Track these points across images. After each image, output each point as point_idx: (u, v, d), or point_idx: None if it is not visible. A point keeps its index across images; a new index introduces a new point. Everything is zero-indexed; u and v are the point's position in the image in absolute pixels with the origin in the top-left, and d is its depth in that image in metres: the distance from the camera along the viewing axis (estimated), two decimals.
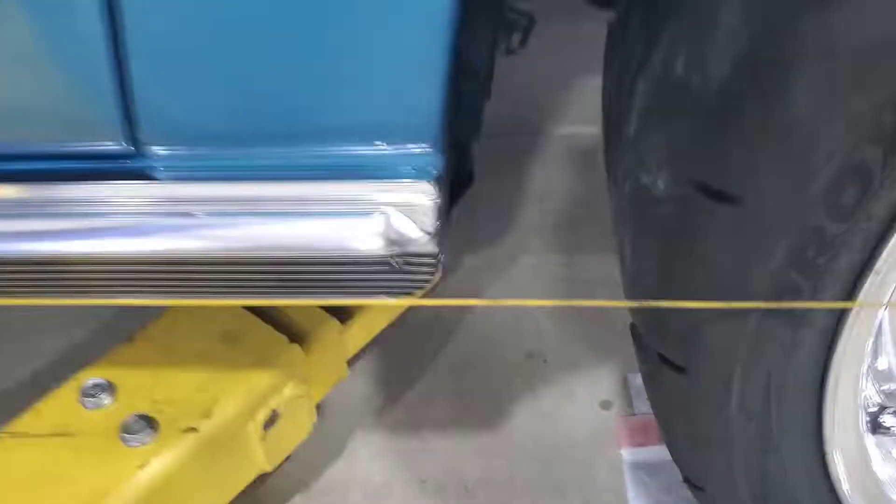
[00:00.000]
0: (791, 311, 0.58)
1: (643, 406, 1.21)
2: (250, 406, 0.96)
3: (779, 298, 0.57)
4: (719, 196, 0.55)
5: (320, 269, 0.74)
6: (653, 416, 1.08)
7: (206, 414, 0.93)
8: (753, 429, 0.70)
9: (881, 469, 0.79)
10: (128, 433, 0.92)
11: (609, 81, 0.76)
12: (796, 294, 0.57)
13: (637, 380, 1.26)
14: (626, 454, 1.18)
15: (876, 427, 0.81)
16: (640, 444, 1.18)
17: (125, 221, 0.73)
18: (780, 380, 0.65)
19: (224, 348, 0.99)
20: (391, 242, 0.71)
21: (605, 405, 1.23)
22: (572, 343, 1.30)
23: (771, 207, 0.54)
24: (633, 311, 0.74)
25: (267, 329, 1.01)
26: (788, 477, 0.73)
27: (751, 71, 0.54)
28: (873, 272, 0.56)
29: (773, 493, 0.74)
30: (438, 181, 0.70)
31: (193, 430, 0.92)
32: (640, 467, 1.16)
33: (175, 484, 0.91)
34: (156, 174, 0.71)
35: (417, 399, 1.25)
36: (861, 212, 0.53)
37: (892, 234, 0.55)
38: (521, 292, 1.39)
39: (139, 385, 0.96)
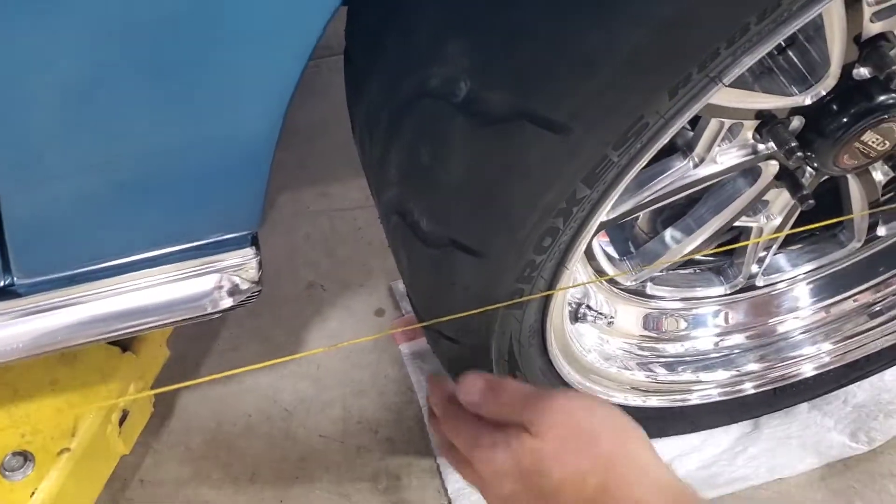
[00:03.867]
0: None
1: (409, 306, 1.46)
2: (105, 414, 1.11)
3: (514, 297, 0.87)
4: (468, 250, 0.82)
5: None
6: None
7: (72, 433, 1.08)
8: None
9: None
10: (9, 471, 1.05)
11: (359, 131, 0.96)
12: (523, 293, 0.87)
13: (399, 286, 1.54)
14: (404, 348, 1.43)
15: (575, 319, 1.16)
16: (412, 339, 1.43)
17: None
18: (518, 331, 0.96)
19: (67, 370, 1.13)
20: (230, 293, 0.92)
21: (379, 312, 1.48)
22: (342, 267, 1.54)
23: (498, 255, 0.83)
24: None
25: (100, 346, 1.15)
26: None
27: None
28: (565, 268, 0.87)
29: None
30: (255, 241, 0.90)
31: (67, 450, 1.07)
32: (416, 356, 1.42)
33: (65, 495, 1.06)
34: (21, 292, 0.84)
35: (225, 346, 1.43)
36: (552, 249, 0.82)
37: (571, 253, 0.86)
38: (287, 227, 1.58)
39: (1, 427, 1.09)
